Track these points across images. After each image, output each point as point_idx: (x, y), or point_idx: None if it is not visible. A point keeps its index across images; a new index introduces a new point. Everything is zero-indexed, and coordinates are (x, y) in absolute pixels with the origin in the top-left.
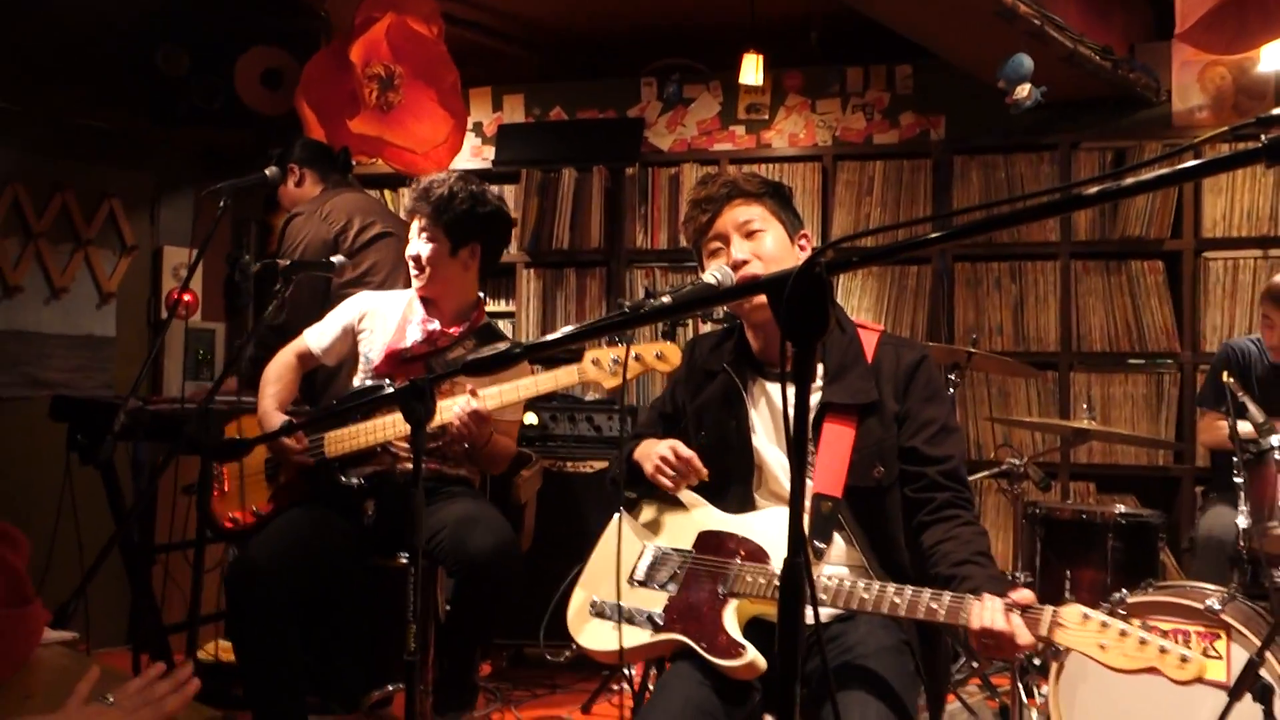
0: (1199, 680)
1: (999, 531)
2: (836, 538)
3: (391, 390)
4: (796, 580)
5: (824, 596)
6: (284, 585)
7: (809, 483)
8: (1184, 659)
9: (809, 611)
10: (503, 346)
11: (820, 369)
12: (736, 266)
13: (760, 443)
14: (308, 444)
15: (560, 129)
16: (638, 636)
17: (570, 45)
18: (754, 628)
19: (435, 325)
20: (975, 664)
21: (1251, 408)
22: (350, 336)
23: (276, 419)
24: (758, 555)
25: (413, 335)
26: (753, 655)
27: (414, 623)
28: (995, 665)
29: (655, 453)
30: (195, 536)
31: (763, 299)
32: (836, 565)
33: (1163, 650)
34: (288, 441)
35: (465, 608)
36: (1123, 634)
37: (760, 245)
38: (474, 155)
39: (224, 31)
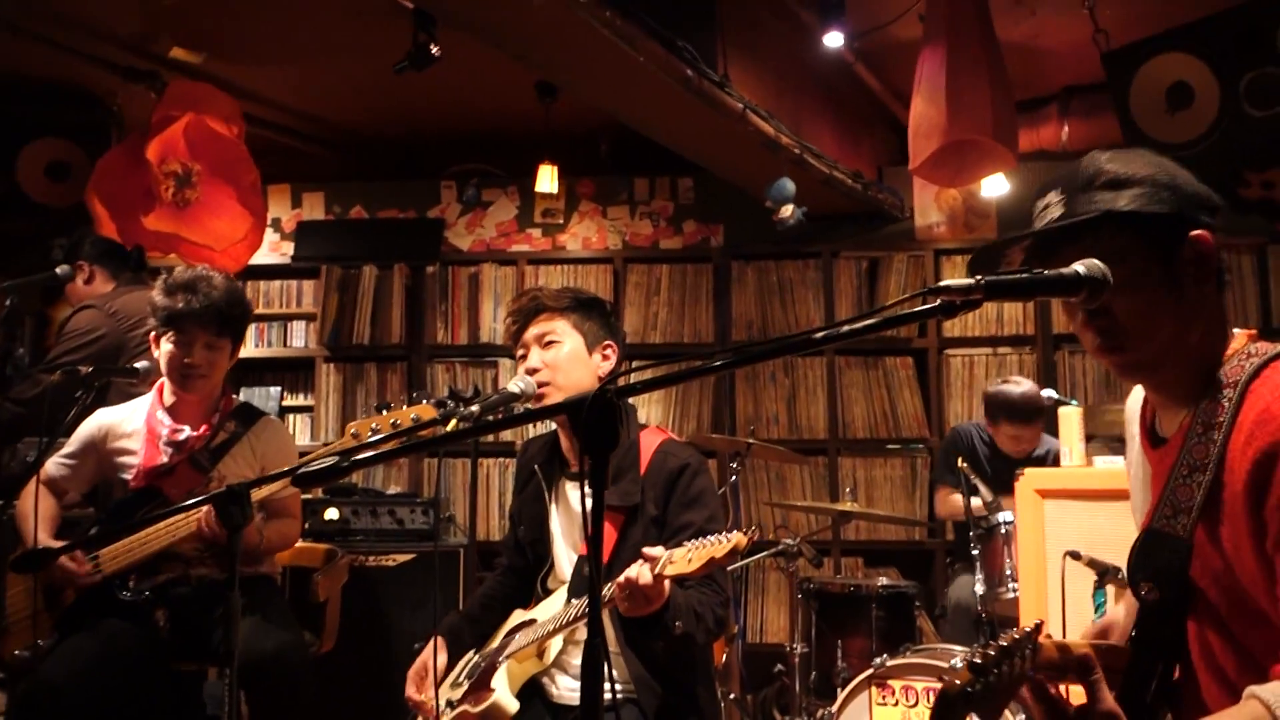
0: (737, 550)
1: (778, 606)
2: None
3: (204, 497)
4: (595, 660)
5: (521, 642)
6: (82, 703)
7: (570, 552)
8: (726, 540)
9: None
10: (329, 460)
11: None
12: (531, 372)
13: (555, 536)
14: (89, 566)
15: (361, 227)
16: None
17: (371, 147)
18: (542, 706)
19: (185, 432)
20: None
21: (982, 488)
22: (94, 457)
23: (56, 544)
24: (530, 624)
25: (166, 450)
26: (498, 697)
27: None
28: None
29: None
30: None
31: None
32: None
33: (716, 543)
34: (69, 566)
35: (257, 712)
36: (698, 547)
37: (555, 355)
38: (272, 250)
39: (6, 120)
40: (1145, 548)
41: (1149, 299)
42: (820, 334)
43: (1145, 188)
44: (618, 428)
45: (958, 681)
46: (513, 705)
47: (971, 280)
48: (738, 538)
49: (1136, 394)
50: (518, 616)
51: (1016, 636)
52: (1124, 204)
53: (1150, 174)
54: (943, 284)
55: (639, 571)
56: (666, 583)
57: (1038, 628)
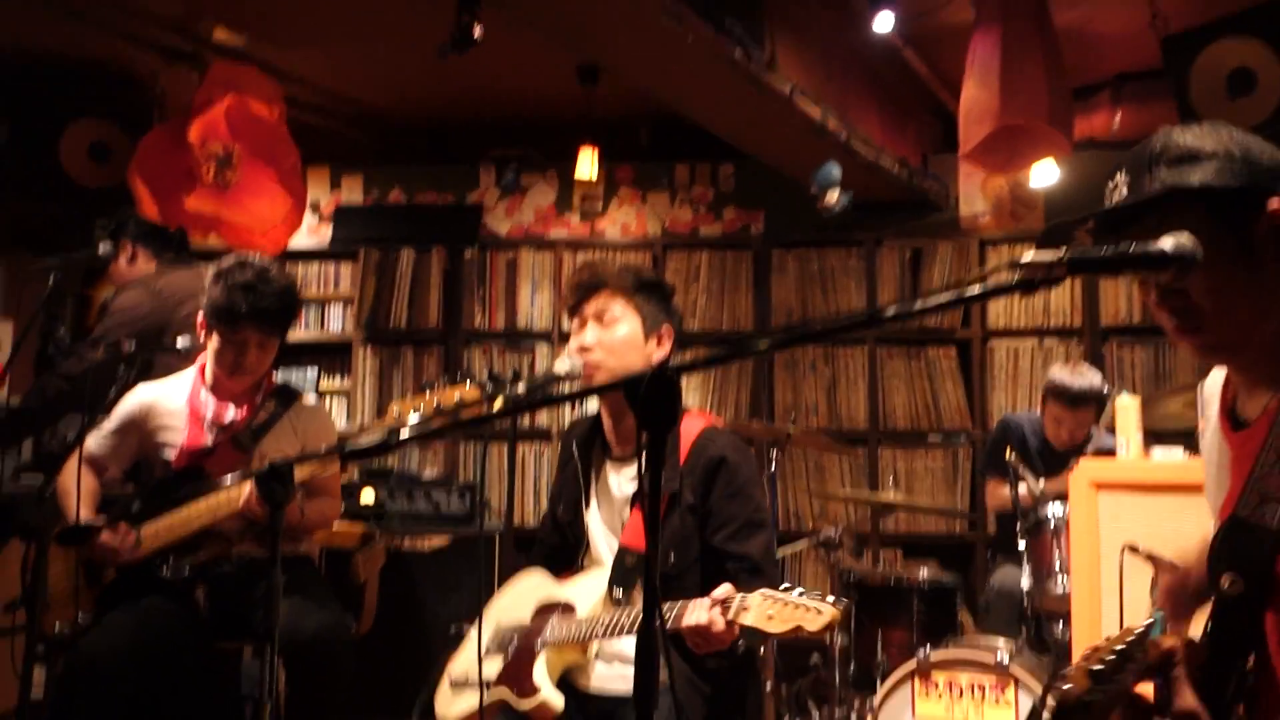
0: (831, 626)
1: None
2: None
3: (247, 473)
4: (651, 642)
5: (564, 635)
6: (122, 679)
7: (615, 542)
8: (819, 611)
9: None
10: (378, 436)
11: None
12: (584, 350)
13: (591, 520)
14: (132, 537)
15: (399, 211)
16: (473, 698)
17: (410, 130)
18: (569, 694)
19: (230, 414)
20: None
21: (1030, 480)
22: (135, 434)
23: (99, 521)
24: (568, 609)
25: (210, 431)
26: (545, 695)
27: (269, 702)
28: None
29: None
30: (26, 626)
31: None
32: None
33: (806, 609)
34: (111, 541)
35: (297, 691)
36: (783, 604)
37: (610, 334)
38: (310, 234)
39: (49, 102)
40: (1229, 537)
41: (1224, 277)
42: (892, 311)
43: (1215, 161)
44: (677, 407)
45: (1074, 689)
46: (560, 702)
47: (1055, 255)
48: (832, 612)
49: (1215, 375)
50: (544, 586)
51: (1130, 640)
52: (1193, 179)
53: (1220, 147)
54: (1024, 259)
55: (711, 618)
56: (738, 625)
57: (1149, 629)
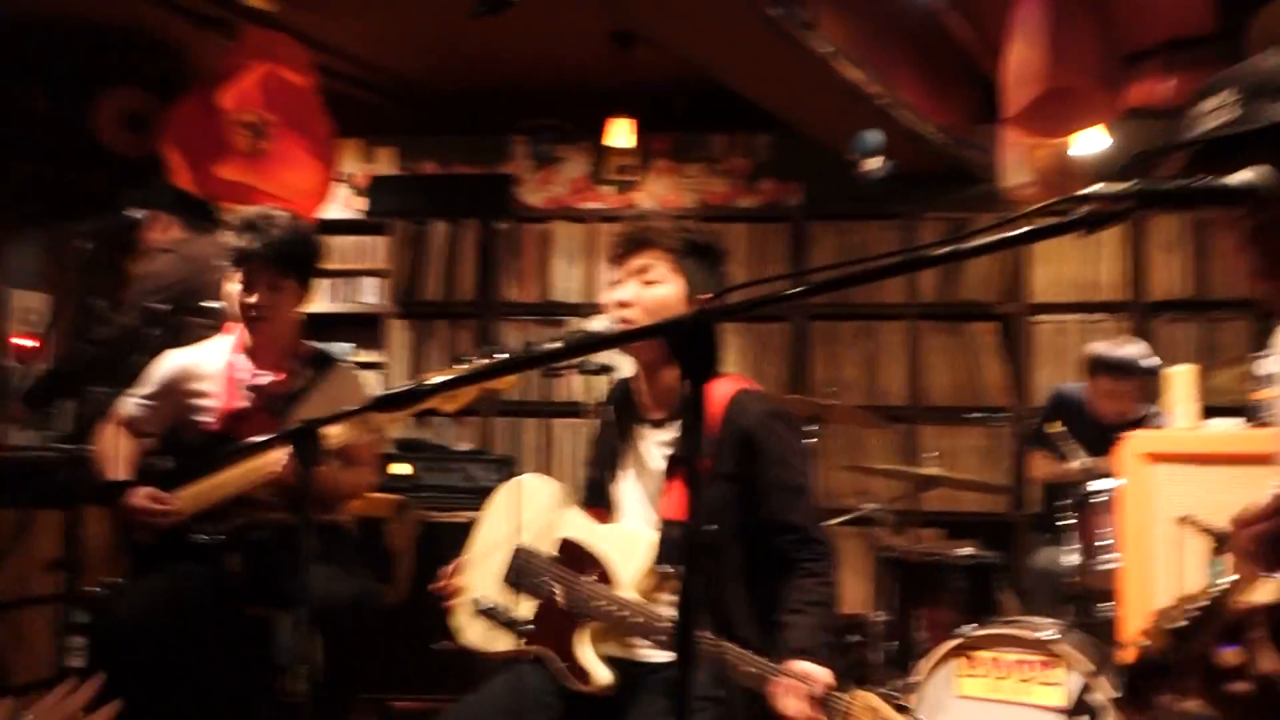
0: None
1: (856, 575)
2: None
3: (277, 434)
4: (690, 617)
5: (610, 619)
6: (152, 643)
7: (649, 511)
8: None
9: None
10: (408, 385)
11: (681, 421)
12: (623, 305)
13: (626, 487)
14: (175, 504)
15: (432, 183)
16: (508, 641)
17: (443, 101)
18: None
19: (266, 377)
20: None
21: (1077, 452)
22: (171, 399)
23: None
24: (604, 577)
25: (246, 395)
26: (599, 680)
27: (301, 669)
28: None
29: None
30: (64, 591)
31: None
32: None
33: None
34: (145, 504)
35: (329, 658)
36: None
37: (650, 294)
38: (345, 206)
39: (83, 70)
40: None
41: None
42: (944, 249)
43: None
44: (716, 351)
45: (1153, 648)
46: (610, 678)
47: (1123, 186)
48: None
49: None
50: (572, 519)
51: (1210, 599)
52: None
53: None
54: (1091, 190)
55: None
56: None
57: (1227, 590)
